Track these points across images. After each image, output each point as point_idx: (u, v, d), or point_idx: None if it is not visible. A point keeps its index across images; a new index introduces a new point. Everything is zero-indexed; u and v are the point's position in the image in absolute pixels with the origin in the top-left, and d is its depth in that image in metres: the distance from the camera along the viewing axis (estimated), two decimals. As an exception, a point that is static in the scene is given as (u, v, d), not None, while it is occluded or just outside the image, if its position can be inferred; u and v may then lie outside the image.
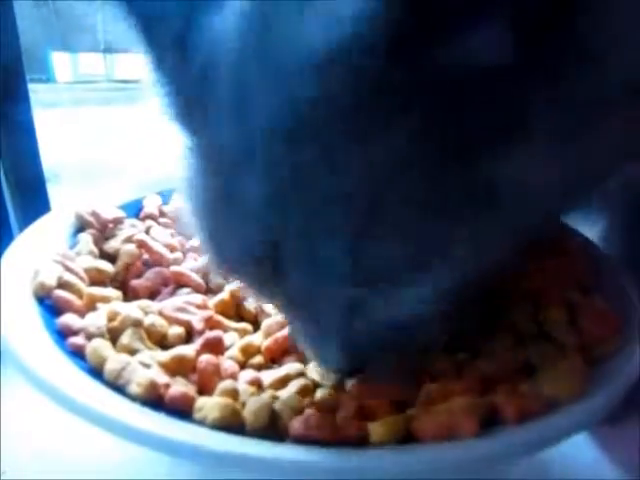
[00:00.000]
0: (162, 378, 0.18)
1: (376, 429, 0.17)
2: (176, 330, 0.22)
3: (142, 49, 0.18)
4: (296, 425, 0.17)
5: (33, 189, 0.48)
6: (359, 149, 0.14)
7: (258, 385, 0.20)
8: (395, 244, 0.15)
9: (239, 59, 0.15)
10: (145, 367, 0.19)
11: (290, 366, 0.21)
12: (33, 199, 0.48)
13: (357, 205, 0.15)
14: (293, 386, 0.20)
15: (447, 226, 0.15)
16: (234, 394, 0.19)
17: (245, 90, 0.15)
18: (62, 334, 0.20)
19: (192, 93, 0.16)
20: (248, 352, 0.22)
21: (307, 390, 0.20)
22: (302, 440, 0.17)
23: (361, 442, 0.17)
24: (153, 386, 0.17)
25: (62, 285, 0.22)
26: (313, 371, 0.20)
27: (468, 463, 0.16)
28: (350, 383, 0.20)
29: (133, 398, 0.17)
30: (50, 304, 0.22)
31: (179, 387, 0.18)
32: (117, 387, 0.18)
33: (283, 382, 0.20)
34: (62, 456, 0.25)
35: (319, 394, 0.19)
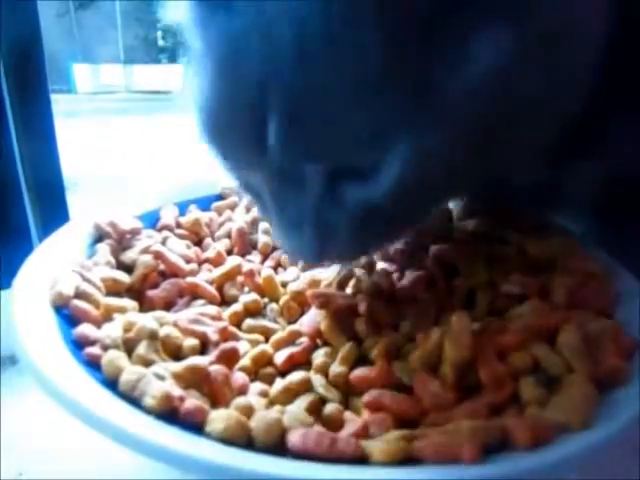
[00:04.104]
0: (177, 391, 0.18)
1: (376, 447, 0.17)
2: (191, 342, 0.22)
3: None
4: (294, 439, 0.17)
5: (53, 197, 0.49)
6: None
7: (267, 398, 0.20)
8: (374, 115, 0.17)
9: None
10: (159, 379, 0.19)
11: (296, 374, 0.21)
12: (52, 207, 0.49)
13: (348, 84, 0.17)
14: (302, 401, 0.20)
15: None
16: (248, 410, 0.18)
17: None
18: (78, 344, 0.20)
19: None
20: (259, 362, 0.22)
21: (315, 406, 0.19)
22: (301, 455, 0.17)
23: (361, 461, 0.17)
24: (168, 399, 0.17)
25: (79, 295, 0.22)
26: (319, 387, 0.20)
27: None
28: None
29: (148, 410, 0.17)
30: (68, 314, 0.22)
31: (193, 400, 0.18)
32: (131, 399, 0.18)
33: (289, 393, 0.20)
34: (65, 457, 0.25)
35: (327, 410, 0.19)
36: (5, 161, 0.44)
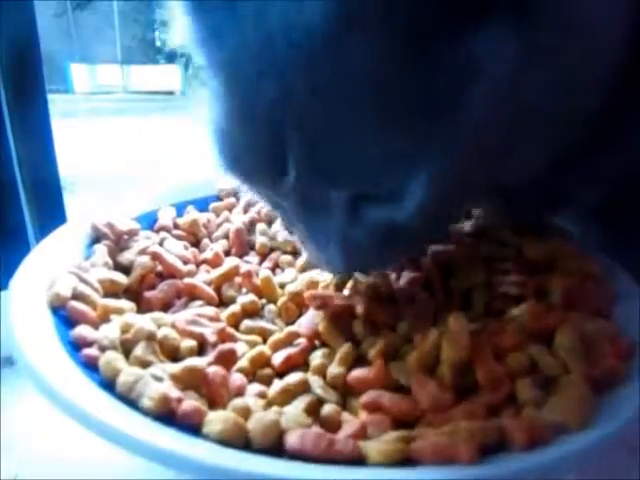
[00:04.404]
0: (174, 392, 0.18)
1: (374, 448, 0.17)
2: (188, 343, 0.22)
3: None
4: (291, 440, 0.17)
5: (50, 197, 0.49)
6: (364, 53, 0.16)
7: (265, 399, 0.20)
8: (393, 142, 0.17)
9: None
10: (157, 380, 0.19)
11: (294, 376, 0.21)
12: (49, 207, 0.49)
13: (360, 108, 0.17)
14: (300, 402, 0.20)
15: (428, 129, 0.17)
16: (246, 412, 0.18)
17: (266, 8, 0.17)
18: (76, 345, 0.20)
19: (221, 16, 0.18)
20: (257, 363, 0.22)
21: (313, 407, 0.20)
22: (299, 456, 0.17)
23: (359, 462, 0.17)
24: (165, 400, 0.17)
25: (77, 296, 0.22)
26: (317, 388, 0.20)
27: None
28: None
29: (145, 412, 0.17)
30: (65, 315, 0.22)
31: (191, 402, 0.18)
32: (129, 400, 0.18)
33: (287, 394, 0.20)
34: (65, 459, 0.25)
35: (325, 411, 0.19)
36: (2, 161, 0.44)
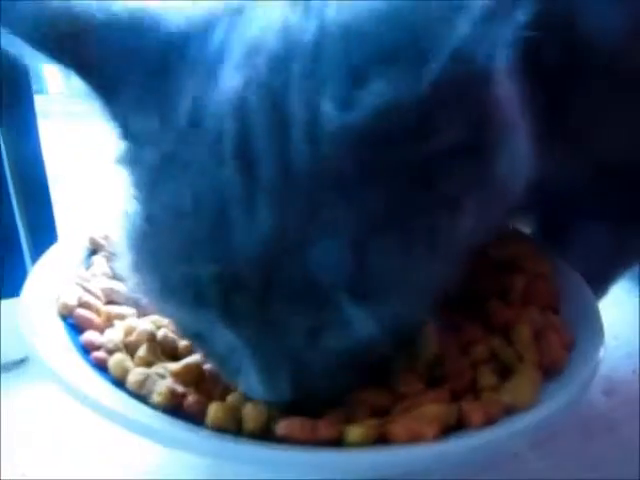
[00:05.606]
0: (180, 388, 0.20)
1: (352, 432, 0.19)
2: (185, 342, 0.24)
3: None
4: (281, 427, 0.19)
5: (38, 196, 0.49)
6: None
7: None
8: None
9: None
10: (161, 378, 0.21)
11: None
12: (38, 206, 0.49)
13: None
14: None
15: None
16: (240, 403, 0.21)
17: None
18: (86, 349, 0.22)
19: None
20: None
21: None
22: (287, 441, 0.19)
23: (339, 444, 0.19)
24: (173, 395, 0.20)
25: (82, 305, 0.25)
26: None
27: (432, 463, 0.18)
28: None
29: (154, 406, 0.20)
30: (73, 322, 0.24)
31: (195, 396, 0.20)
32: (139, 396, 0.20)
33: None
34: (66, 458, 0.27)
35: None
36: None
